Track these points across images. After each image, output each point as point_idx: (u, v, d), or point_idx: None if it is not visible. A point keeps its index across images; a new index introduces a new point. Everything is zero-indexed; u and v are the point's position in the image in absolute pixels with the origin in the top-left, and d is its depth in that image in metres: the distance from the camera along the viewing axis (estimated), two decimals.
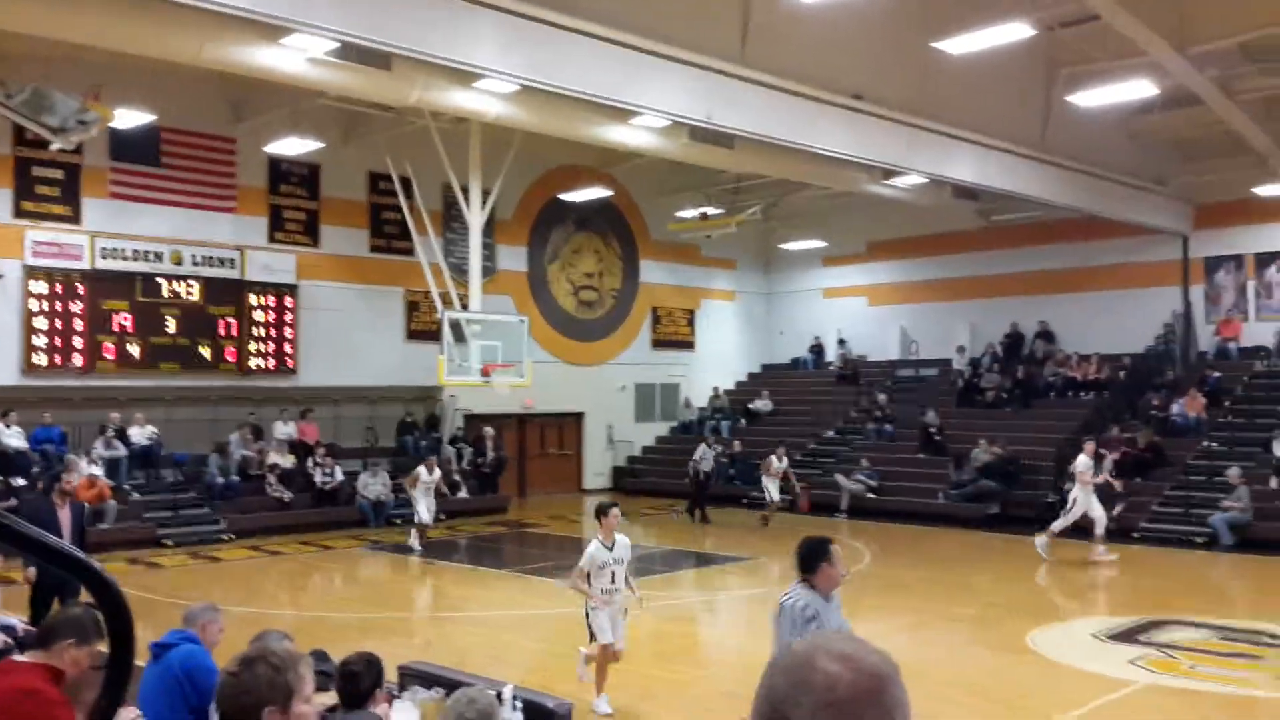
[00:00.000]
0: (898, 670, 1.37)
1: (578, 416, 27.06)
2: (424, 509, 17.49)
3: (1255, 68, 18.54)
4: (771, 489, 20.75)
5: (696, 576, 16.69)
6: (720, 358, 30.21)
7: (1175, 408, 21.27)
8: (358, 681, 4.76)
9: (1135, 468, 19.86)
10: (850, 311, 29.53)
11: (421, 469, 17.73)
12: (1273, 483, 18.24)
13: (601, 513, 8.77)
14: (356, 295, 22.35)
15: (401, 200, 20.61)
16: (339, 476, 20.47)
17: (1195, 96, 18.02)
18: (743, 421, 27.63)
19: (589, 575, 8.51)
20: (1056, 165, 19.66)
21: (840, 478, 22.42)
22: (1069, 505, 16.50)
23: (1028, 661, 10.43)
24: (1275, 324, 22.34)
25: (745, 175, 22.76)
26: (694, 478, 22.11)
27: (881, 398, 26.01)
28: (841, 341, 29.25)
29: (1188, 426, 20.77)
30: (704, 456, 22.26)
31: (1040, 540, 16.40)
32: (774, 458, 21.02)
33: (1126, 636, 11.10)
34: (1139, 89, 16.05)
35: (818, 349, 30.04)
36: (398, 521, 20.05)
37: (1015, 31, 13.34)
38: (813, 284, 30.56)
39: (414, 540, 17.32)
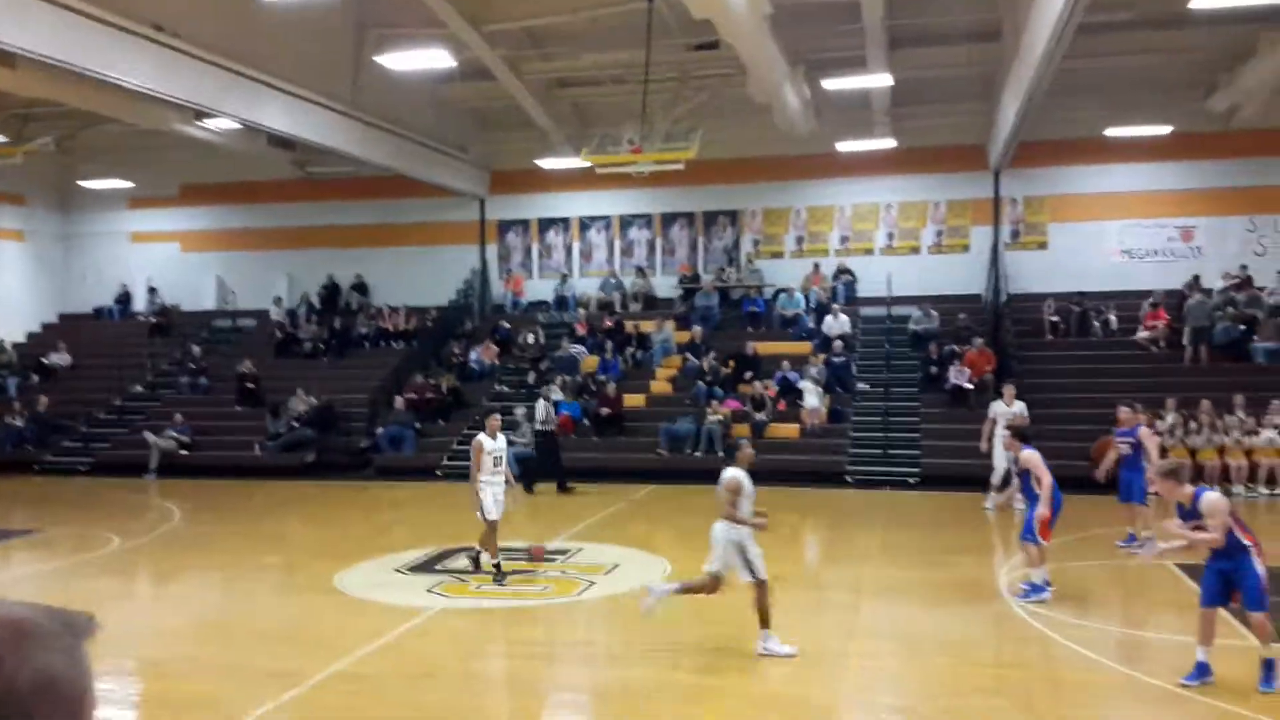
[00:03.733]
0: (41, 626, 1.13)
1: None
2: None
3: (538, 52, 20.98)
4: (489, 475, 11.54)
5: None
6: (7, 306, 26.65)
7: (473, 355, 23.50)
8: None
9: (437, 411, 21.64)
10: (162, 257, 27.84)
11: None
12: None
13: None
14: None
15: None
16: None
17: (490, 72, 19.88)
18: (35, 378, 24.70)
19: None
20: (366, 123, 20.41)
21: (150, 435, 21.18)
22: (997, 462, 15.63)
23: (335, 602, 10.92)
24: (553, 281, 25.67)
25: (37, 100, 20.11)
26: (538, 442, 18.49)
27: (196, 349, 25.00)
28: (152, 290, 27.45)
29: (483, 372, 23.07)
30: (548, 417, 18.73)
31: (993, 500, 15.56)
32: (494, 417, 12.29)
33: (424, 567, 12.16)
34: (438, 58, 17.19)
35: (125, 297, 27.86)
36: None
37: None
38: (119, 226, 28.27)
39: None
